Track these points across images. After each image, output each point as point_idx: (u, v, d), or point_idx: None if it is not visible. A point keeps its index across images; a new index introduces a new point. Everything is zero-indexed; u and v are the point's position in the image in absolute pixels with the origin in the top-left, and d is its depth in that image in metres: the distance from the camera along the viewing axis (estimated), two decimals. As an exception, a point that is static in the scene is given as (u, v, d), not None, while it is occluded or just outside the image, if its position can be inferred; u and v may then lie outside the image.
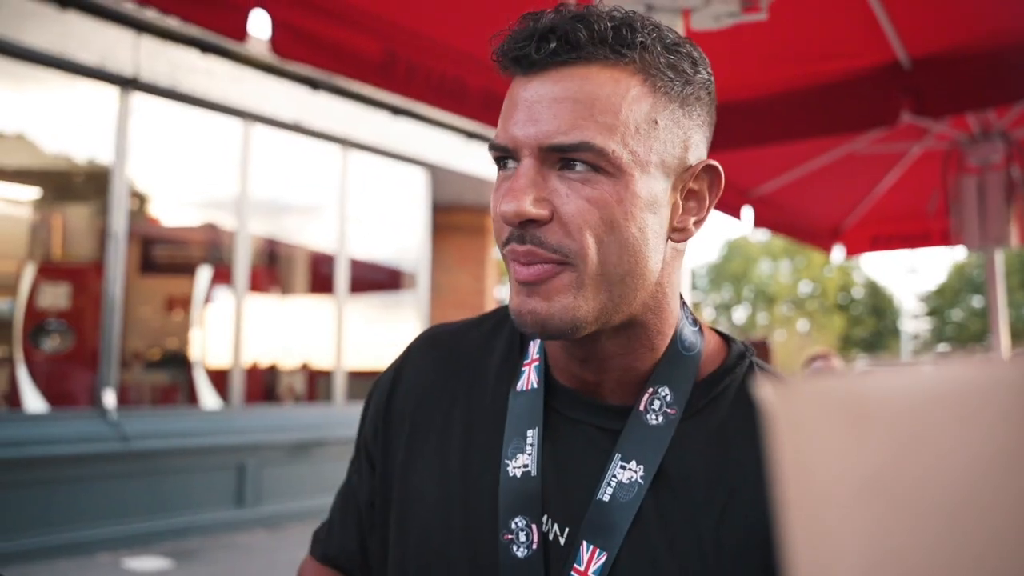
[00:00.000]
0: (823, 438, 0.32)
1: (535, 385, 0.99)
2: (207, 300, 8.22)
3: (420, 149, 9.69)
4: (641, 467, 0.91)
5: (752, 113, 3.32)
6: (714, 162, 0.94)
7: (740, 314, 44.24)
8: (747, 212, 4.50)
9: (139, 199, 7.90)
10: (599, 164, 0.84)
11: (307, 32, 2.52)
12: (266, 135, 8.26)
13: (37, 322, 6.99)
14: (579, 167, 0.85)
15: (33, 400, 6.74)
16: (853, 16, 2.86)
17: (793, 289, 42.80)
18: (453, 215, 11.74)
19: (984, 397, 0.30)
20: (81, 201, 7.68)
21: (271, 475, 7.84)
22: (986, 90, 3.08)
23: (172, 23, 6.79)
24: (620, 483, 0.91)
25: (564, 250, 0.85)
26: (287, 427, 8.17)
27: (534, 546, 0.92)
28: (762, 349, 5.57)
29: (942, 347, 39.15)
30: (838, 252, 5.43)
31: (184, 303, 8.16)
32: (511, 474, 0.95)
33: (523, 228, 0.85)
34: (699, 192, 0.94)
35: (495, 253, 12.51)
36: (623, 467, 0.92)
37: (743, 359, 0.99)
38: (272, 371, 8.81)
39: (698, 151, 0.93)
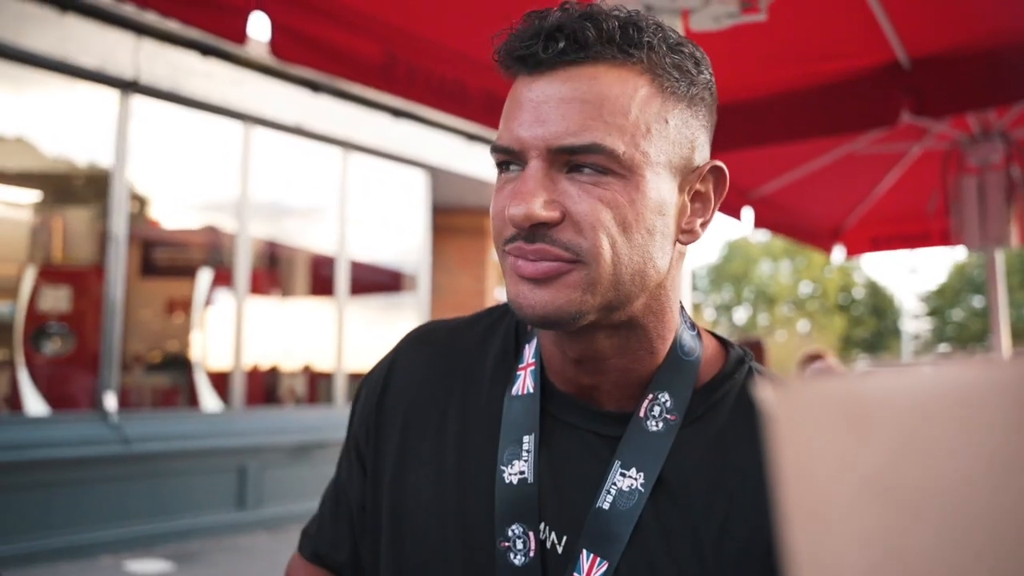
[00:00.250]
0: (823, 439, 0.32)
1: (531, 390, 0.98)
2: (208, 302, 8.22)
3: (421, 151, 9.69)
4: (641, 474, 0.90)
5: (752, 114, 3.32)
6: (719, 163, 0.93)
7: (741, 315, 44.22)
8: (747, 213, 4.50)
9: (139, 202, 7.89)
10: (609, 166, 0.83)
11: (307, 35, 2.52)
12: (267, 138, 8.26)
13: (38, 325, 6.98)
14: (589, 170, 0.83)
15: (34, 403, 6.74)
16: (852, 16, 2.86)
17: (794, 290, 42.76)
18: (454, 217, 11.74)
19: (985, 398, 0.30)
20: (81, 204, 7.68)
21: (272, 477, 7.83)
22: (986, 90, 3.08)
23: (172, 26, 6.78)
24: (620, 491, 0.90)
25: (576, 248, 0.84)
26: (288, 429, 8.17)
27: (532, 554, 0.91)
28: (757, 349, 5.56)
29: (943, 347, 39.12)
30: (838, 252, 5.43)
31: (185, 306, 8.15)
32: (507, 481, 0.94)
33: (533, 229, 0.84)
34: (705, 193, 0.93)
35: (495, 254, 12.50)
36: (623, 474, 0.90)
37: (741, 364, 0.98)
38: (273, 373, 8.81)
39: (703, 152, 0.92)
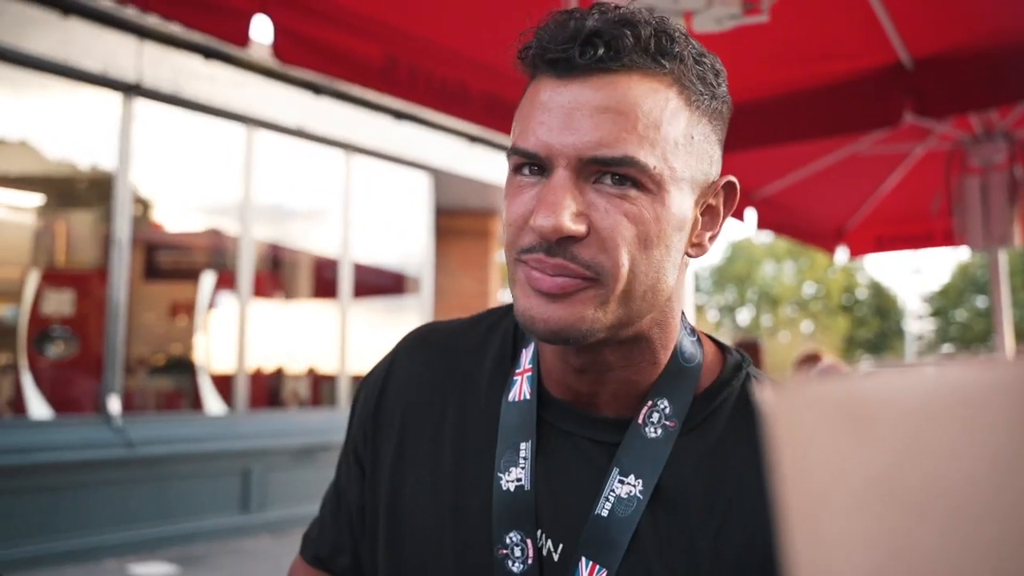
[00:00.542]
0: (824, 441, 0.32)
1: (527, 396, 0.97)
2: (211, 305, 8.23)
3: (423, 153, 9.70)
4: (640, 481, 0.89)
5: (755, 115, 3.32)
6: (733, 178, 0.92)
7: (744, 316, 44.21)
8: (751, 214, 4.50)
9: (143, 205, 7.91)
10: (640, 180, 0.81)
11: (309, 37, 2.52)
12: (269, 140, 8.27)
13: (41, 328, 6.99)
14: (618, 181, 0.81)
15: (38, 407, 6.75)
16: (855, 17, 2.86)
17: (797, 291, 42.74)
18: (456, 219, 11.74)
19: (988, 398, 0.30)
20: (85, 207, 7.69)
21: (276, 480, 7.84)
22: (988, 90, 3.08)
23: (175, 29, 6.80)
24: (619, 498, 0.89)
25: (597, 267, 0.82)
26: (292, 432, 8.17)
27: (530, 561, 0.90)
28: (753, 350, 5.55)
29: (946, 348, 39.08)
30: (842, 253, 5.43)
31: (188, 309, 8.16)
32: (504, 488, 0.93)
33: (557, 243, 0.81)
34: (716, 207, 0.93)
35: (498, 257, 12.50)
36: (621, 481, 0.89)
37: (739, 370, 0.97)
38: (276, 376, 8.82)
39: (718, 166, 0.91)
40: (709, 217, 0.92)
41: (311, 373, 9.10)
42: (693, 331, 0.99)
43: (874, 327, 41.25)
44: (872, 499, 0.31)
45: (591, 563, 0.88)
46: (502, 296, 13.17)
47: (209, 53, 7.38)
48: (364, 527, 1.07)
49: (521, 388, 0.98)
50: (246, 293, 8.10)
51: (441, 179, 10.22)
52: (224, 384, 7.98)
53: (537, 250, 0.83)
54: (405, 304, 10.33)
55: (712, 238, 0.93)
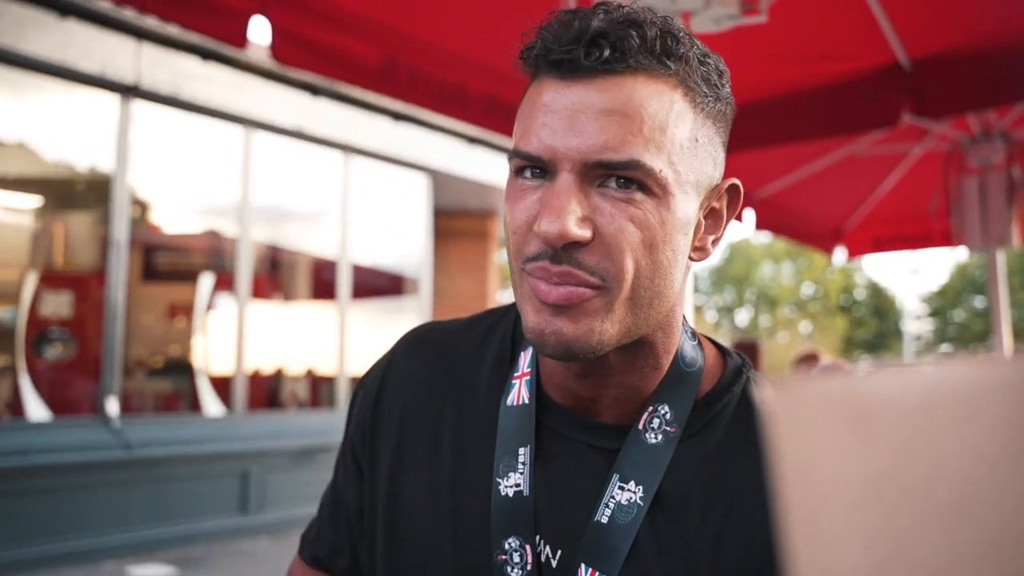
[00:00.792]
0: (824, 440, 0.32)
1: (526, 400, 0.96)
2: (209, 307, 8.22)
3: (421, 154, 9.70)
4: (640, 488, 0.88)
5: (753, 115, 3.32)
6: (736, 180, 0.92)
7: (743, 317, 44.24)
8: (749, 215, 4.51)
9: (141, 206, 7.90)
10: (645, 183, 0.80)
11: (307, 38, 2.52)
12: (267, 141, 8.27)
13: (39, 330, 6.99)
14: (624, 185, 0.80)
15: (36, 408, 6.74)
16: (853, 17, 2.87)
17: (795, 291, 42.78)
18: (455, 220, 11.74)
19: (987, 397, 0.30)
20: (83, 209, 7.69)
21: (275, 482, 7.83)
22: (986, 90, 3.08)
23: (173, 30, 6.79)
24: (619, 504, 0.88)
25: (603, 273, 0.81)
26: (290, 433, 8.17)
27: (528, 567, 0.89)
28: (753, 351, 5.56)
29: (945, 348, 39.10)
30: (840, 254, 5.43)
31: (186, 310, 8.16)
32: (503, 493, 0.92)
33: (563, 249, 0.80)
34: (719, 210, 0.92)
35: (497, 258, 12.50)
36: (621, 488, 0.89)
37: (739, 375, 0.96)
38: (275, 377, 8.81)
39: (721, 169, 0.90)
40: (712, 220, 0.91)
41: (310, 374, 9.10)
42: (694, 335, 0.99)
43: (872, 327, 41.29)
44: (872, 498, 0.31)
45: (591, 570, 0.87)
46: (501, 297, 13.17)
47: (207, 54, 7.38)
48: (362, 528, 1.06)
49: (520, 392, 0.96)
50: (244, 294, 8.09)
51: (440, 180, 10.22)
52: (223, 385, 7.97)
53: (542, 257, 0.81)
54: (404, 305, 10.33)
55: (715, 241, 0.92)
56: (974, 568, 0.29)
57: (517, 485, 0.92)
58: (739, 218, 4.45)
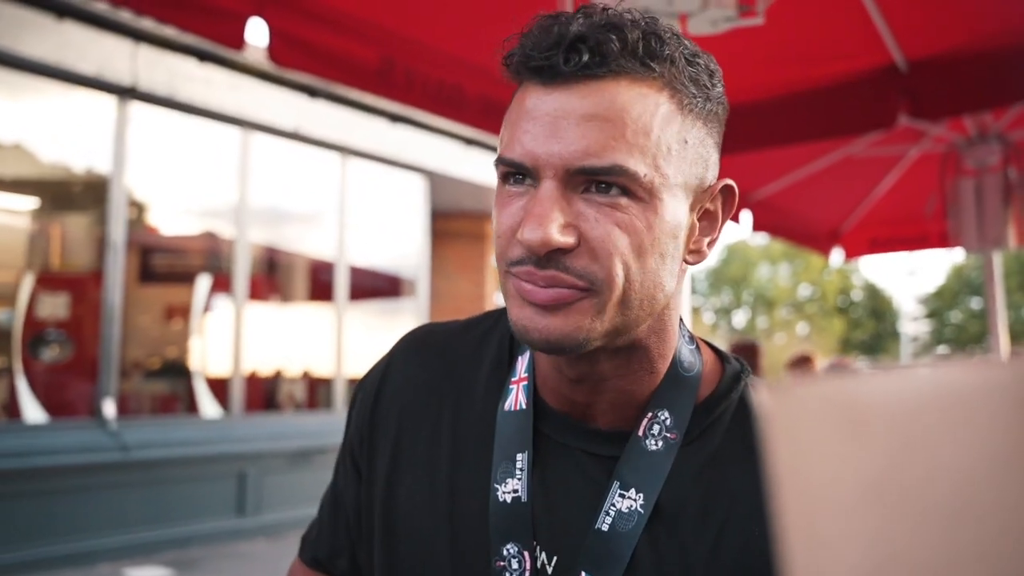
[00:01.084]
0: (821, 442, 0.32)
1: (523, 406, 0.95)
2: (207, 309, 8.22)
3: (418, 156, 9.70)
4: (641, 495, 0.87)
5: (749, 117, 3.32)
6: (731, 181, 0.90)
7: (740, 318, 44.28)
8: (746, 216, 4.51)
9: (138, 208, 7.89)
10: (630, 188, 0.79)
11: (304, 40, 2.52)
12: (264, 143, 8.27)
13: (36, 332, 6.98)
14: (607, 190, 0.79)
15: (32, 410, 6.73)
16: (849, 19, 2.87)
17: (792, 292, 42.82)
18: (452, 221, 11.73)
19: (983, 398, 0.30)
20: (80, 210, 7.68)
21: (272, 484, 7.82)
22: (983, 92, 3.08)
23: (170, 32, 6.78)
24: (620, 512, 0.87)
25: (590, 276, 0.80)
26: (288, 435, 8.16)
27: (527, 573, 0.89)
28: (752, 352, 5.55)
29: (941, 349, 39.15)
30: (837, 255, 5.44)
31: (184, 312, 8.15)
32: (501, 499, 0.92)
33: (547, 255, 0.79)
34: (714, 212, 0.90)
35: (494, 260, 12.48)
36: (622, 495, 0.88)
37: (738, 380, 0.95)
38: (272, 379, 8.80)
39: (715, 170, 0.89)
40: (707, 222, 0.90)
41: (307, 376, 9.09)
42: (692, 339, 0.98)
43: (869, 329, 41.34)
44: (868, 500, 0.31)
45: None
46: (498, 299, 13.16)
47: (204, 56, 7.37)
48: (361, 529, 1.06)
49: (517, 397, 0.96)
50: (242, 296, 8.08)
51: (437, 182, 10.22)
52: (220, 387, 7.96)
53: (526, 263, 0.81)
54: (401, 307, 10.33)
55: (711, 243, 0.91)
56: (972, 569, 0.29)
57: (515, 491, 0.92)
58: (735, 219, 4.46)
